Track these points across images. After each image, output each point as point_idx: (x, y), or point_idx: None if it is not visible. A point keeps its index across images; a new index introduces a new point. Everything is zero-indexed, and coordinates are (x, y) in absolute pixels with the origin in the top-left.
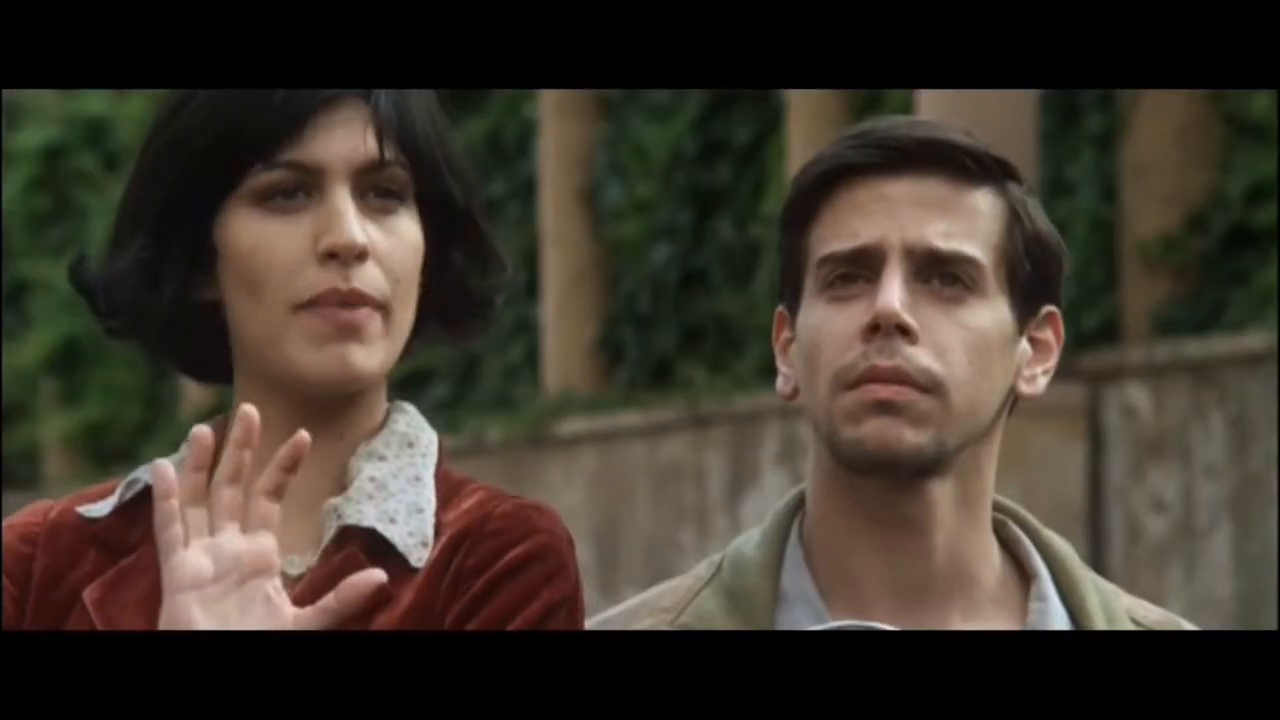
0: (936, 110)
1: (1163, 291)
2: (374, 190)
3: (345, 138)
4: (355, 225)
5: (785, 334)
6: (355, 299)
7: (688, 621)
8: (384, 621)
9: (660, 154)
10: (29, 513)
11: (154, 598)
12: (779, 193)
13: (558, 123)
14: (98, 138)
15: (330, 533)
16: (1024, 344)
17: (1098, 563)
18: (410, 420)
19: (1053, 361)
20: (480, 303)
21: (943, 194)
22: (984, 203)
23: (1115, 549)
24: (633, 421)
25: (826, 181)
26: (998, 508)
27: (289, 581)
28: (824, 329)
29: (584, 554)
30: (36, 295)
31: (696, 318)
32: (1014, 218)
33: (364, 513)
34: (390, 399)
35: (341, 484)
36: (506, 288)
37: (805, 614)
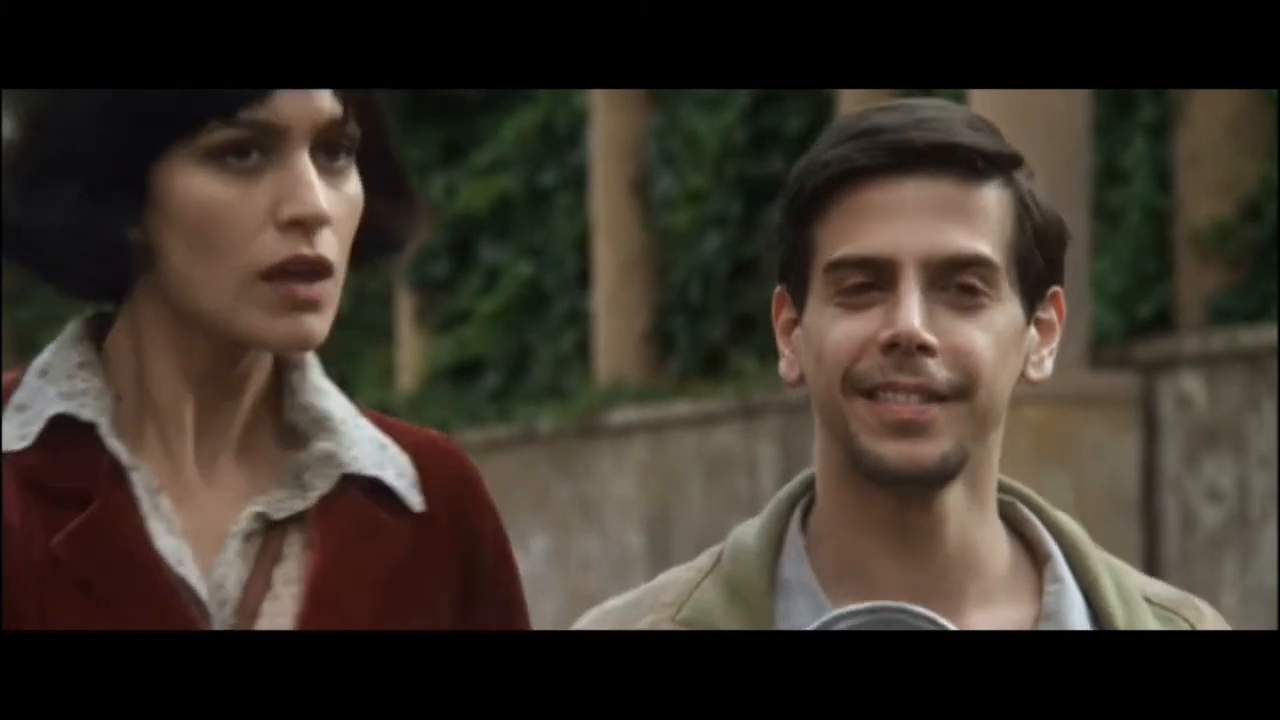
0: (987, 98)
1: (1217, 280)
2: (325, 149)
3: (309, 95)
4: (320, 192)
5: (786, 314)
6: (319, 267)
7: (688, 616)
8: (391, 565)
9: (711, 144)
10: None
11: (141, 559)
12: None
13: (609, 113)
14: None
15: (330, 480)
16: (1032, 330)
17: (1151, 553)
18: None
19: (1056, 340)
20: (396, 244)
21: (955, 195)
22: (994, 199)
23: (1169, 539)
24: (684, 411)
25: (834, 183)
26: (1005, 489)
27: (268, 525)
28: (835, 332)
29: (635, 543)
30: None
31: (747, 307)
32: (1024, 210)
33: (359, 459)
34: (435, 385)
35: (276, 415)
36: (423, 228)
37: (805, 605)
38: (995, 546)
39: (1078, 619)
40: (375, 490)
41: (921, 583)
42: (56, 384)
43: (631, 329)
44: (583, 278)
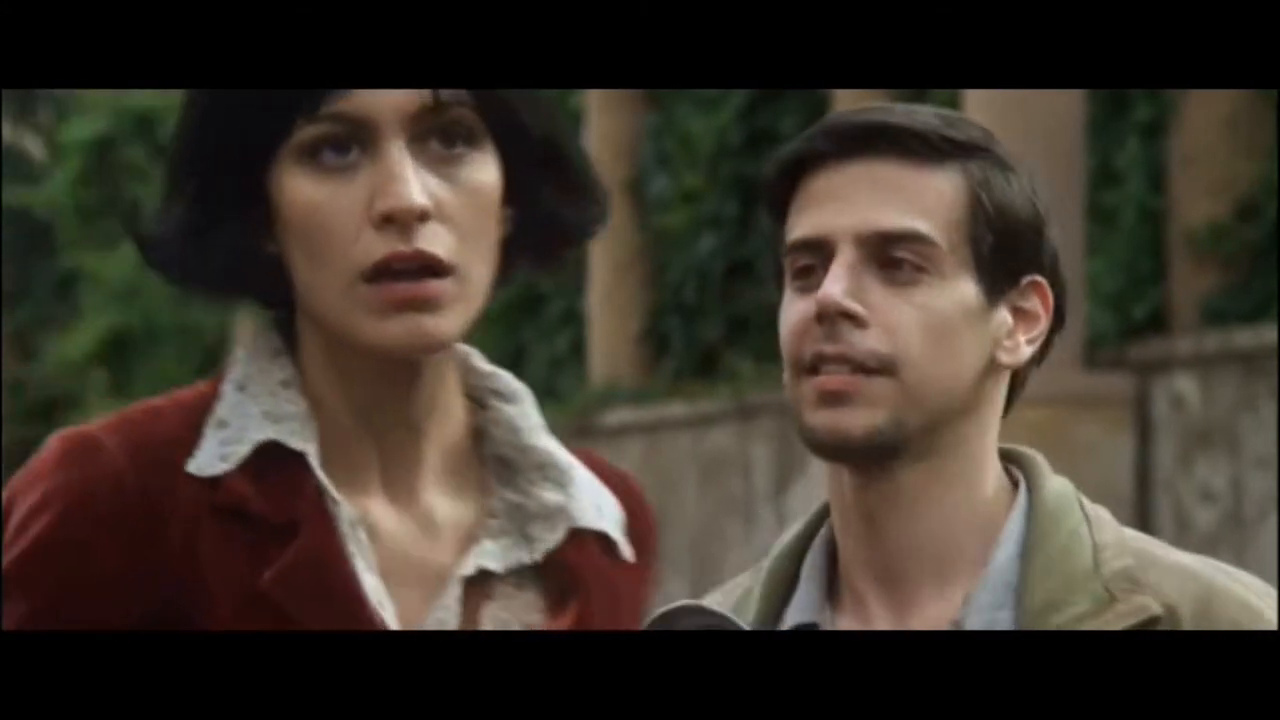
0: (981, 98)
1: (1212, 281)
2: (437, 136)
3: None
4: (413, 185)
5: None
6: (420, 262)
7: (720, 599)
8: (616, 620)
9: (706, 144)
10: (83, 461)
11: (347, 596)
12: None
13: (604, 113)
14: (147, 130)
15: (558, 535)
16: (1003, 314)
17: None
18: (488, 362)
19: (1039, 330)
20: (576, 234)
21: (894, 175)
22: (940, 182)
23: (1163, 540)
24: (678, 412)
25: (787, 174)
26: (1023, 465)
27: (487, 578)
28: (786, 317)
29: None
30: (86, 287)
31: (743, 308)
32: (973, 195)
33: (587, 512)
34: None
35: (481, 447)
36: (606, 215)
37: (802, 594)
38: (970, 532)
39: (988, 603)
40: (599, 542)
41: (882, 568)
42: (258, 401)
43: (626, 330)
44: (578, 279)
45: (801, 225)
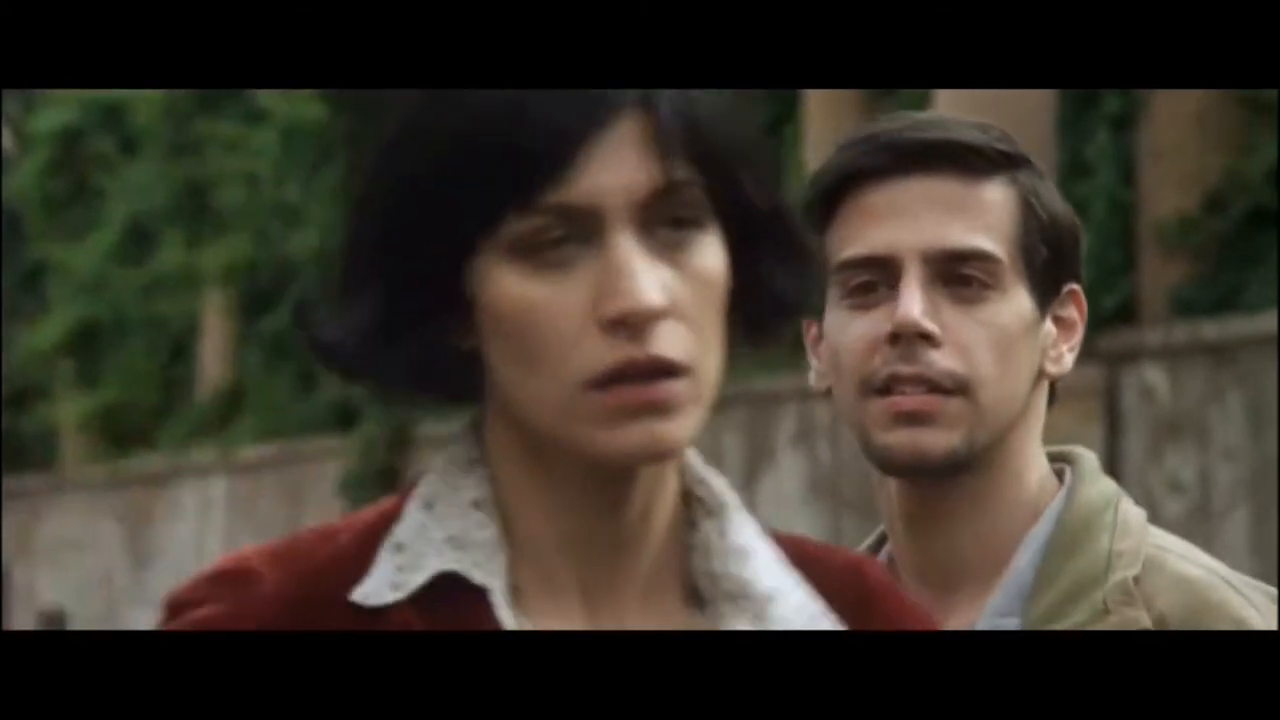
0: (953, 91)
1: (1180, 273)
2: (666, 221)
3: (621, 164)
4: (646, 282)
5: (815, 330)
6: (658, 368)
7: None
8: None
9: None
10: (237, 592)
11: None
12: (796, 178)
13: None
14: (115, 121)
15: None
16: (1048, 325)
17: None
18: (702, 464)
19: (1077, 338)
20: (796, 307)
21: (954, 192)
22: (996, 195)
23: None
24: None
25: (838, 188)
26: (1073, 468)
27: None
28: (847, 335)
29: None
30: (54, 278)
31: None
32: (1027, 207)
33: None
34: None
35: (683, 566)
36: (819, 288)
37: None
38: (1010, 537)
39: (998, 608)
40: None
41: (930, 574)
42: (445, 524)
43: None
44: None
45: (860, 242)
